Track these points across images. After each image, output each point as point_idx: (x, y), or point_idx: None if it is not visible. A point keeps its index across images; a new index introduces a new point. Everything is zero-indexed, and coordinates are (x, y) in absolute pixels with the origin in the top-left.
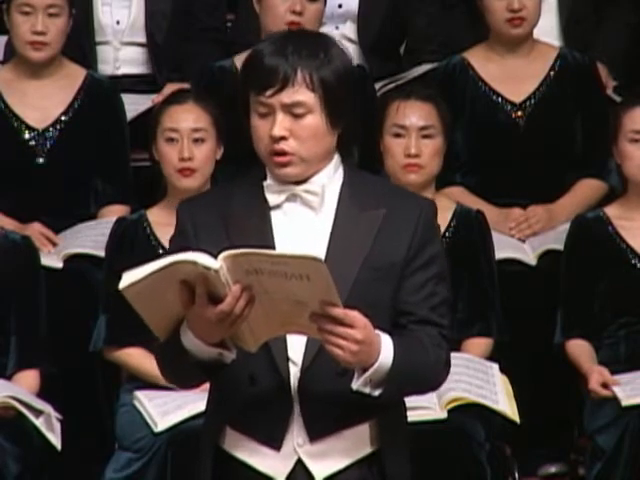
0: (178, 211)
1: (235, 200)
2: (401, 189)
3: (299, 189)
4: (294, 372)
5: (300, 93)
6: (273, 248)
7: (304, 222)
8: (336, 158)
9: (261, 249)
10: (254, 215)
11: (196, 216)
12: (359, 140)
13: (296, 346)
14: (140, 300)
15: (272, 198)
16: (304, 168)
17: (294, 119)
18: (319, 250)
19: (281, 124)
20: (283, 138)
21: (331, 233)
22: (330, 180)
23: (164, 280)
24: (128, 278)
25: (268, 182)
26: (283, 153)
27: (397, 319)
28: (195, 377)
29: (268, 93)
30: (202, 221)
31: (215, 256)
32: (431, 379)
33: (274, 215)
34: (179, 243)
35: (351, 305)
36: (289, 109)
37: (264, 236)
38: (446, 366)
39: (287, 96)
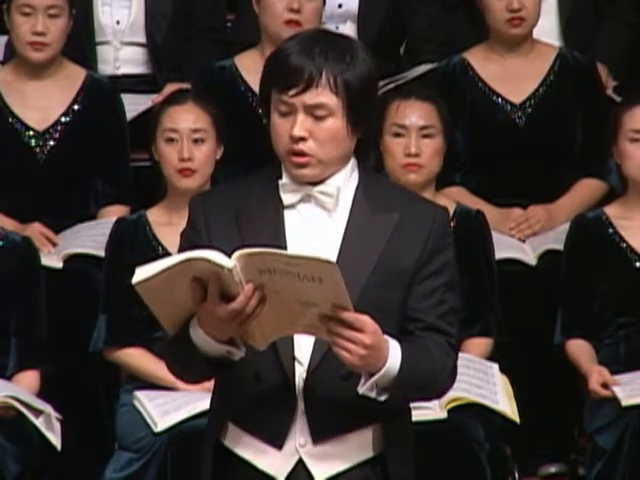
0: (190, 204)
1: (249, 197)
2: (416, 194)
3: (314, 190)
4: (300, 372)
5: (323, 95)
6: (285, 247)
7: (317, 223)
8: (352, 161)
9: (275, 249)
10: (267, 213)
11: (209, 210)
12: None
13: (303, 346)
14: (152, 295)
15: (286, 197)
16: (321, 170)
17: (315, 121)
18: (331, 252)
19: (302, 125)
20: (302, 139)
21: (344, 235)
22: (345, 182)
23: (177, 276)
24: (141, 273)
25: (283, 181)
26: (302, 154)
27: (405, 325)
28: (202, 372)
29: (291, 92)
30: (214, 216)
31: (227, 253)
32: (437, 387)
33: (287, 214)
34: (191, 237)
35: (361, 308)
36: (311, 110)
37: (276, 235)
38: (452, 375)
39: (310, 97)
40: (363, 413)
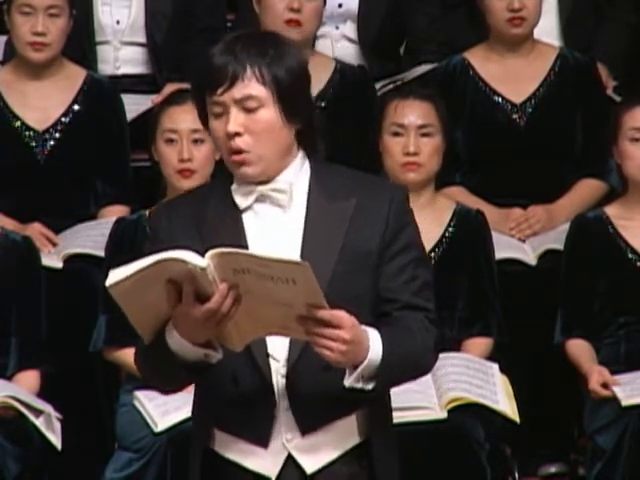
0: (152, 217)
1: (207, 205)
2: (371, 177)
3: (266, 189)
4: (276, 368)
5: (250, 87)
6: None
7: (275, 221)
8: (300, 154)
9: (249, 250)
10: (226, 219)
11: (171, 222)
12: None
13: (276, 342)
14: (126, 299)
15: (241, 201)
16: (263, 166)
17: (248, 114)
18: (293, 248)
19: (235, 120)
20: (238, 134)
21: (304, 230)
22: (297, 177)
23: (151, 278)
24: (114, 276)
25: (234, 186)
26: (239, 151)
27: (381, 307)
28: (179, 379)
29: (219, 91)
30: (176, 226)
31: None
32: (421, 365)
33: (246, 217)
34: (157, 248)
35: (331, 299)
36: (242, 104)
37: (237, 239)
38: (435, 350)
39: (238, 91)
40: (346, 400)
